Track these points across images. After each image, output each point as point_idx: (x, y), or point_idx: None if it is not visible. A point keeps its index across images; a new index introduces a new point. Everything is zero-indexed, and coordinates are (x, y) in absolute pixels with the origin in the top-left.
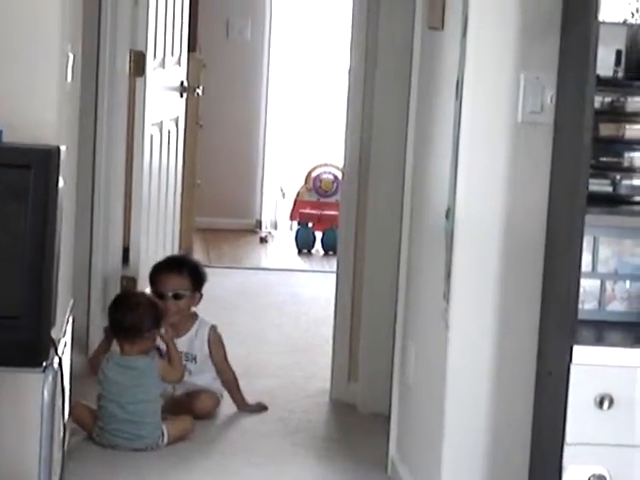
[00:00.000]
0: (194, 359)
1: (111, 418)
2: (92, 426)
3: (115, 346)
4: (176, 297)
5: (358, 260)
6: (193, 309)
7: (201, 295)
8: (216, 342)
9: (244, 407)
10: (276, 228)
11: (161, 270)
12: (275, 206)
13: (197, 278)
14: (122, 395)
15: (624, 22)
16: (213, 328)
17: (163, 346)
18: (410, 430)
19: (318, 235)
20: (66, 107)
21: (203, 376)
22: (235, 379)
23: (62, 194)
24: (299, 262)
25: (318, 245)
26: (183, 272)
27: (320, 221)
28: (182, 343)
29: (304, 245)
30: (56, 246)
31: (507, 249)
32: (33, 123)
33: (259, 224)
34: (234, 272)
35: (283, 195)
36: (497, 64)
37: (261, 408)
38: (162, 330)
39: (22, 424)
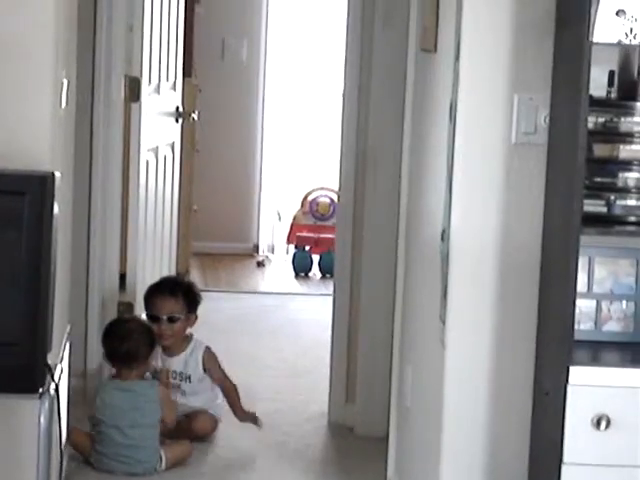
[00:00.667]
0: (188, 378)
1: (110, 442)
2: (89, 451)
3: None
4: (170, 320)
5: (355, 283)
6: (189, 330)
7: (196, 317)
8: (211, 360)
9: (242, 415)
10: (273, 252)
11: (155, 293)
12: (272, 230)
13: (191, 300)
14: (121, 419)
15: (618, 42)
16: (208, 348)
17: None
18: (408, 452)
19: (315, 258)
20: (60, 133)
21: (198, 397)
22: (236, 389)
23: (57, 220)
24: (296, 285)
25: (315, 268)
26: (177, 295)
27: (317, 244)
28: (176, 362)
29: (301, 268)
30: (52, 272)
31: (503, 270)
32: (27, 149)
33: (256, 248)
34: (231, 296)
35: (280, 219)
36: (490, 86)
37: (255, 419)
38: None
39: (19, 450)
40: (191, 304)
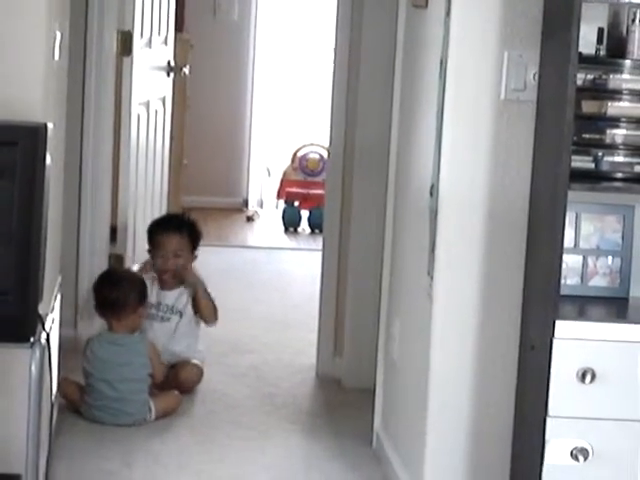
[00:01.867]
0: (179, 313)
1: (99, 395)
2: (80, 402)
3: (104, 325)
4: (175, 256)
5: (344, 238)
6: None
7: (196, 255)
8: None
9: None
10: (262, 207)
11: (161, 229)
12: (261, 185)
13: (195, 237)
14: (110, 373)
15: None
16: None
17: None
18: (395, 404)
19: (304, 214)
20: (53, 85)
21: (181, 341)
22: (210, 303)
23: (49, 171)
24: (285, 240)
25: (304, 223)
26: (183, 232)
27: (306, 200)
28: (169, 296)
29: (290, 223)
30: (43, 223)
31: (490, 225)
32: (20, 100)
33: (246, 203)
34: (221, 250)
35: (269, 174)
36: (480, 42)
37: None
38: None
39: (10, 399)
40: (194, 241)
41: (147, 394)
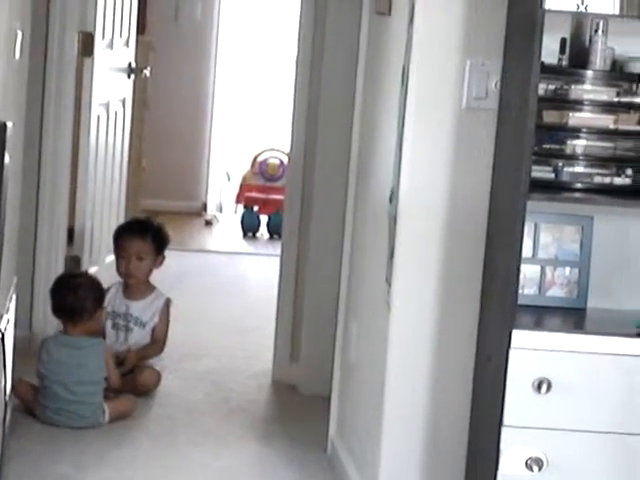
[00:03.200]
0: (143, 325)
1: (54, 397)
2: (34, 403)
3: (59, 325)
4: (138, 259)
5: (302, 244)
6: (151, 281)
7: (163, 257)
8: (165, 314)
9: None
10: (221, 211)
11: (124, 234)
12: (221, 189)
13: (160, 241)
14: (66, 375)
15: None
16: (168, 300)
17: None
18: (350, 410)
19: (263, 219)
20: (13, 84)
21: (139, 340)
22: (158, 352)
23: (7, 170)
24: (244, 245)
25: (263, 229)
26: (146, 236)
27: (265, 205)
28: (136, 307)
29: (249, 228)
30: (0, 222)
31: (449, 234)
32: None
33: (205, 207)
34: (179, 254)
35: (229, 178)
36: (443, 50)
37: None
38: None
39: None
40: (159, 245)
41: (102, 398)
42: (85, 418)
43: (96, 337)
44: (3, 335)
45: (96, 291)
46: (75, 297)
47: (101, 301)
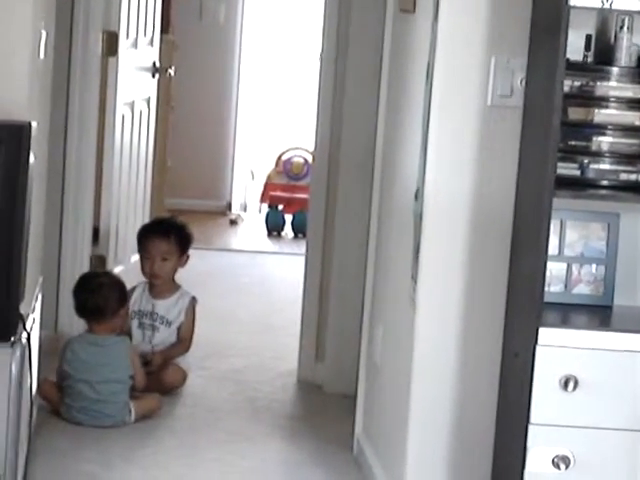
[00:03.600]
0: (169, 324)
1: (79, 396)
2: (59, 402)
3: (84, 325)
4: (163, 260)
5: (327, 242)
6: (177, 280)
7: (188, 256)
8: (191, 313)
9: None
10: (246, 210)
11: (148, 234)
12: (245, 188)
13: (184, 241)
14: (91, 374)
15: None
16: (194, 299)
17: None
18: (376, 409)
19: (288, 218)
20: (38, 84)
21: (165, 339)
22: (184, 352)
23: (33, 170)
24: (269, 244)
25: (288, 228)
26: (170, 236)
27: (290, 204)
28: (161, 306)
29: (274, 227)
30: (26, 221)
31: (475, 231)
32: (4, 99)
33: (229, 206)
34: (204, 253)
35: (253, 177)
36: (468, 47)
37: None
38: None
39: None
40: (183, 244)
41: (128, 397)
42: (110, 417)
43: (122, 336)
44: (29, 335)
45: (118, 289)
46: (97, 296)
47: (124, 299)
